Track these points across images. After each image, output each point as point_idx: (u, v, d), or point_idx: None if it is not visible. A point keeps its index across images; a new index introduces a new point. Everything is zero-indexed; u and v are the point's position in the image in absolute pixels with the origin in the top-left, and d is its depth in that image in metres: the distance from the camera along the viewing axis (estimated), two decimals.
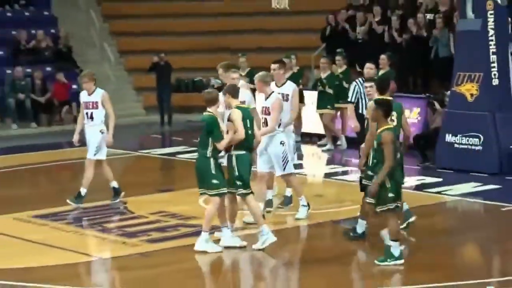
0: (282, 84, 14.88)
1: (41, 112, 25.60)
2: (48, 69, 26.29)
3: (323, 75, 21.37)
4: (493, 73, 18.03)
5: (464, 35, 18.59)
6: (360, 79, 16.44)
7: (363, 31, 24.35)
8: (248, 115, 13.34)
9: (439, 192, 16.85)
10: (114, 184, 15.92)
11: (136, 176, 16.82)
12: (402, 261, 12.08)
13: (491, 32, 17.98)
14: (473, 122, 18.13)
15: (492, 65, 18.03)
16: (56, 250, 13.55)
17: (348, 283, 12.07)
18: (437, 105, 19.71)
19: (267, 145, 14.33)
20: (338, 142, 21.70)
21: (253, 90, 15.63)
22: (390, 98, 13.36)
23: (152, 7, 29.46)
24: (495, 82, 18.07)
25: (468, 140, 18.15)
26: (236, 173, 13.04)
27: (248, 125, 13.20)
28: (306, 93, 22.26)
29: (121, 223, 15.09)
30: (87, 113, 15.65)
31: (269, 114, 14.30)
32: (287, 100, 14.68)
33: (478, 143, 18.06)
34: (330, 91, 20.74)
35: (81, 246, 13.78)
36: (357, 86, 16.17)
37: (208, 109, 12.92)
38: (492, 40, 18.00)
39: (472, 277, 11.63)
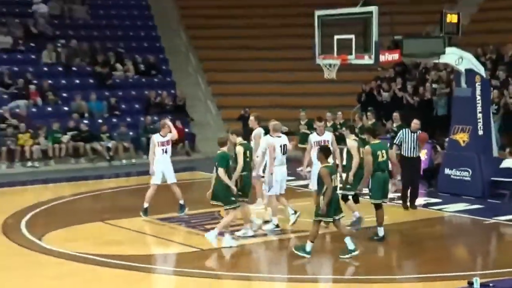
0: (323, 134, 14.78)
1: None
2: (169, 117, 26.46)
3: (358, 126, 21.22)
4: (479, 126, 17.81)
5: (459, 99, 18.41)
6: (406, 129, 16.47)
7: (387, 95, 24.21)
8: (248, 147, 13.83)
9: (439, 209, 16.67)
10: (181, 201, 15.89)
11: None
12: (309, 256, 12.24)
13: (478, 97, 17.80)
14: (464, 160, 17.93)
15: (479, 120, 17.82)
16: (171, 243, 13.66)
17: (372, 269, 11.95)
18: (438, 148, 19.60)
19: None
20: None
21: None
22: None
23: (243, 76, 29.68)
24: (480, 132, 17.85)
25: (460, 173, 17.95)
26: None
27: (248, 154, 13.63)
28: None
29: (215, 225, 15.08)
30: (163, 149, 15.51)
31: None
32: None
33: (467, 176, 17.86)
34: (363, 137, 20.51)
35: (188, 240, 13.83)
36: (401, 134, 16.47)
37: (221, 148, 13.10)
38: (479, 103, 17.81)
39: (463, 269, 11.57)
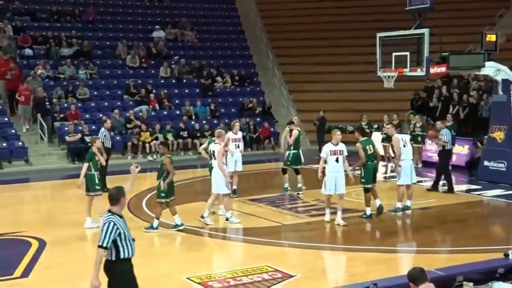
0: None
1: (253, 143, 25.87)
2: (258, 119, 26.57)
3: (418, 125, 20.59)
4: None
5: (497, 104, 17.88)
6: (446, 129, 16.15)
7: (435, 101, 23.62)
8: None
9: (479, 194, 16.16)
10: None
11: (304, 180, 16.67)
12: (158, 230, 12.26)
13: None
14: (500, 154, 17.34)
15: None
16: (259, 219, 13.62)
17: (423, 242, 11.62)
18: (479, 144, 19.05)
19: None
20: None
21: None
22: None
23: (317, 86, 29.44)
24: None
25: (497, 165, 17.38)
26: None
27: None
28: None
29: (296, 205, 15.05)
30: (235, 144, 15.44)
31: None
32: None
33: (503, 167, 17.27)
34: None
35: (273, 217, 13.79)
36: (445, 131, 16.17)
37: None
38: None
39: (499, 244, 11.15)
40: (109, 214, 6.91)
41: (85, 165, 12.90)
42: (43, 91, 23.67)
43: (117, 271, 6.90)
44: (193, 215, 13.71)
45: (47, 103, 23.71)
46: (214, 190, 13.12)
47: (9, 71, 24.07)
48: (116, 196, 6.95)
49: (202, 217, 13.01)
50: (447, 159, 16.55)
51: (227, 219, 13.12)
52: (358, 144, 13.38)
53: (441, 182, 16.51)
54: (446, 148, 16.13)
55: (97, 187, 12.94)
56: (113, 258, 6.89)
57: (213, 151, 13.18)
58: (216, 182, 13.00)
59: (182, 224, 12.43)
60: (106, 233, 6.78)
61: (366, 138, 13.73)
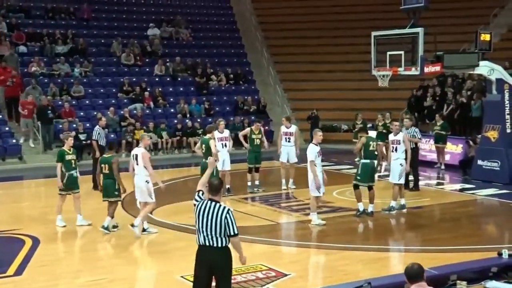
0: (397, 134, 13.92)
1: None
2: (252, 117, 26.47)
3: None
4: (507, 125, 17.28)
5: (491, 103, 17.87)
6: (415, 127, 16.37)
7: (430, 100, 23.65)
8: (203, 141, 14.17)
9: (473, 193, 16.19)
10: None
11: (298, 178, 16.65)
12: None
13: (507, 102, 17.26)
14: (494, 153, 17.39)
15: (507, 120, 17.28)
16: (253, 217, 13.59)
17: (415, 241, 11.62)
18: (471, 143, 19.07)
19: None
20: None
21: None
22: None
23: (312, 85, 29.37)
24: (508, 130, 17.32)
25: (491, 164, 17.42)
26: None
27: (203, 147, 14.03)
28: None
29: (289, 204, 15.02)
30: (221, 144, 15.32)
31: None
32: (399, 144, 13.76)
33: (497, 166, 17.31)
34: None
35: (267, 215, 13.76)
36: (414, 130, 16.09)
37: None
38: (507, 106, 17.26)
39: (493, 243, 11.19)
40: (219, 204, 7.13)
41: (58, 165, 12.59)
42: (46, 99, 23.22)
43: (229, 257, 7.14)
44: (186, 213, 13.68)
45: (49, 111, 22.96)
46: (139, 197, 12.31)
47: (10, 78, 23.72)
48: (219, 187, 7.25)
49: (133, 225, 12.18)
50: (416, 157, 16.44)
51: (144, 230, 12.13)
52: (363, 138, 13.37)
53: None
54: (417, 145, 16.14)
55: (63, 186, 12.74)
56: (227, 245, 7.12)
57: (136, 155, 12.09)
58: (140, 189, 12.15)
59: (103, 227, 12.25)
60: (234, 220, 7.08)
61: (369, 135, 13.92)
